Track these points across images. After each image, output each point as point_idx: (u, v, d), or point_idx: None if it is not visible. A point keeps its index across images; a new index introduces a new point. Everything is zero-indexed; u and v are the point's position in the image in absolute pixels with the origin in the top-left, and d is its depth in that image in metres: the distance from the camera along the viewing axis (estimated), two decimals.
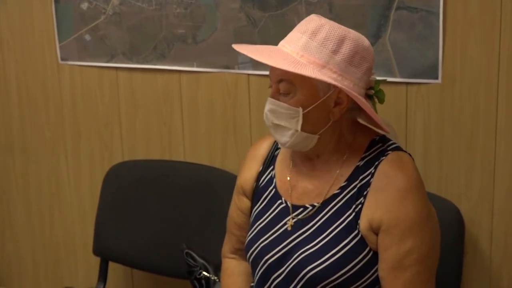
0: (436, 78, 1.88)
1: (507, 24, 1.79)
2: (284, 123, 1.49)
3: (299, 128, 1.48)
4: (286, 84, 1.48)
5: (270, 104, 1.51)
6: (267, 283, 1.56)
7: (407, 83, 1.92)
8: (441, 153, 1.93)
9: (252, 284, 1.65)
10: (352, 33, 1.49)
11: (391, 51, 1.90)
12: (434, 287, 1.51)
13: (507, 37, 1.79)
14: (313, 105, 1.47)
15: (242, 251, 1.70)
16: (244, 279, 1.73)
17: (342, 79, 1.46)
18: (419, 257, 1.45)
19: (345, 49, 1.46)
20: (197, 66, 2.18)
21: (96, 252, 2.33)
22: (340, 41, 1.46)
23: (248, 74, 2.12)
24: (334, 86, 1.47)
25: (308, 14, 1.56)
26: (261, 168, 1.67)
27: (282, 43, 1.52)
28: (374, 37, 1.90)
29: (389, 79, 1.90)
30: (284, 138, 1.51)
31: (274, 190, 1.62)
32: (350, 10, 1.92)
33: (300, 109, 1.47)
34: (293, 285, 1.51)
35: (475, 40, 1.82)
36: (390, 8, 1.88)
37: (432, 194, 1.88)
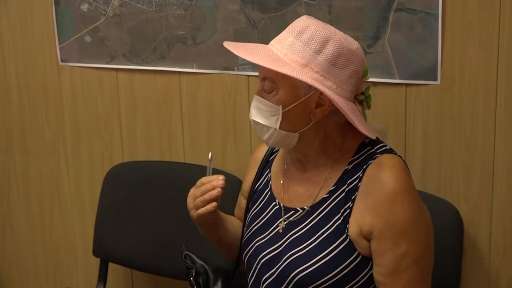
0: (435, 79, 1.88)
1: (506, 26, 1.79)
2: (264, 121, 1.50)
3: (277, 126, 1.48)
4: (269, 82, 1.49)
5: (254, 101, 1.52)
6: (259, 284, 1.57)
7: (406, 85, 1.92)
8: (440, 154, 1.93)
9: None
10: (339, 35, 1.48)
11: (390, 53, 1.90)
12: (430, 285, 1.51)
13: (506, 38, 1.79)
14: (293, 104, 1.47)
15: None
16: (236, 221, 1.79)
17: (324, 80, 1.45)
18: (415, 258, 1.45)
19: (329, 50, 1.45)
20: (197, 68, 2.18)
21: (96, 253, 2.33)
22: (324, 42, 1.46)
23: (248, 76, 2.12)
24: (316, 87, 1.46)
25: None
26: (257, 171, 1.70)
27: (272, 42, 1.53)
28: (373, 39, 1.90)
29: (389, 80, 1.92)
30: (265, 136, 1.52)
31: (269, 192, 1.64)
32: (350, 12, 1.92)
33: (280, 107, 1.47)
34: (283, 287, 1.51)
35: (474, 42, 1.83)
36: (389, 10, 1.88)
37: (431, 195, 1.88)
